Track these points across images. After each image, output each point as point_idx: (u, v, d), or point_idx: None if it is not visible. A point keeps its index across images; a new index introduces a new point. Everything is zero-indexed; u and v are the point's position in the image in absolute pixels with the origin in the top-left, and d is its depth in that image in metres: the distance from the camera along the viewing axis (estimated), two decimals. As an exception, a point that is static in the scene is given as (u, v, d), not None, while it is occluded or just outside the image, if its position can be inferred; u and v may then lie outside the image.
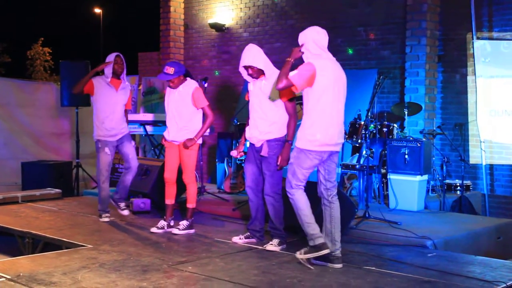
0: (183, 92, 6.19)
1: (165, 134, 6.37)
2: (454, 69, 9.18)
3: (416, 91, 8.99)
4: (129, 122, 7.47)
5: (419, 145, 7.50)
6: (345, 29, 10.10)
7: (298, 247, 5.17)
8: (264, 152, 5.54)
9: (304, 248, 5.03)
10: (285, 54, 5.16)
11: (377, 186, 8.17)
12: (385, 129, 8.10)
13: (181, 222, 6.30)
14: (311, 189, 5.23)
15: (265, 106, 5.54)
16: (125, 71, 6.86)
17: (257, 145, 5.63)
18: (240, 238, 5.86)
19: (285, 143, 5.53)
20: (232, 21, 11.72)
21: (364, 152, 7.84)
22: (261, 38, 11.11)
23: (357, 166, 7.86)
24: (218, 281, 4.53)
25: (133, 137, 8.41)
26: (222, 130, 11.11)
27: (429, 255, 5.43)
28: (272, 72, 5.51)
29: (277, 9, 11.08)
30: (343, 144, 8.33)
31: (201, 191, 8.35)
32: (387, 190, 7.87)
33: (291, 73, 4.86)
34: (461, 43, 9.00)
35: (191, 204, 6.33)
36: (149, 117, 9.78)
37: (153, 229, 6.31)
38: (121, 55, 6.81)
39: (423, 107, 8.66)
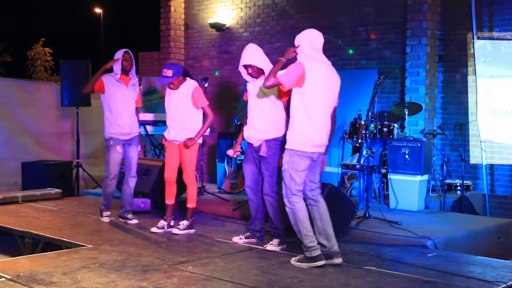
0: (183, 92, 6.19)
1: (166, 134, 6.37)
2: (454, 69, 9.17)
3: (417, 91, 8.98)
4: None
5: (419, 145, 7.49)
6: (346, 29, 10.10)
7: (298, 247, 5.17)
8: (263, 152, 5.54)
9: (300, 255, 5.05)
10: (296, 54, 5.16)
11: (378, 186, 8.17)
12: (385, 129, 8.10)
13: (181, 222, 6.29)
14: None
15: (264, 105, 5.54)
16: (134, 68, 6.77)
17: (256, 144, 5.62)
18: (240, 238, 5.86)
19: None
20: (233, 21, 11.72)
21: (364, 152, 7.84)
22: (261, 38, 11.11)
23: (358, 166, 7.86)
24: (218, 281, 4.53)
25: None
26: (222, 130, 11.11)
27: (429, 255, 5.42)
28: None
29: (278, 9, 11.08)
30: (343, 144, 8.40)
31: (201, 191, 8.35)
32: (387, 190, 7.87)
33: (280, 72, 4.88)
34: (461, 43, 9.00)
35: (191, 204, 6.33)
36: (149, 117, 9.79)
37: (153, 229, 6.31)
38: (129, 51, 6.72)
39: (424, 107, 8.66)
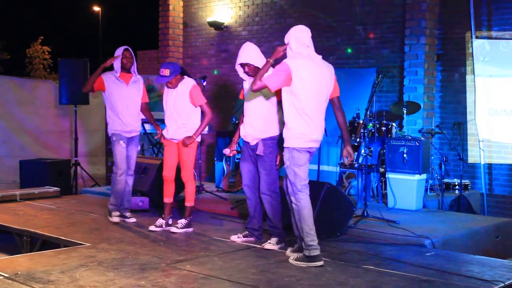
0: (181, 91, 6.19)
1: (164, 132, 6.36)
2: (453, 68, 9.17)
3: (415, 90, 8.98)
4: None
5: (417, 144, 7.49)
6: (344, 28, 10.10)
7: (296, 246, 5.17)
8: (259, 151, 5.54)
9: (298, 253, 5.06)
10: (284, 53, 5.20)
11: (376, 185, 8.17)
12: (383, 128, 8.10)
13: (179, 221, 6.29)
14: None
15: (260, 104, 5.55)
16: (135, 65, 6.69)
17: (252, 143, 5.63)
18: (238, 237, 5.86)
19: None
20: (231, 20, 11.70)
21: (362, 151, 7.84)
22: (260, 37, 11.10)
23: (356, 165, 7.86)
24: (216, 279, 4.53)
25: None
26: (220, 128, 11.10)
27: (427, 254, 5.43)
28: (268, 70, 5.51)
29: (276, 7, 11.07)
30: (342, 143, 8.38)
31: (199, 189, 8.35)
32: (385, 189, 7.88)
33: (266, 74, 4.96)
34: (460, 42, 9.00)
35: (189, 203, 6.33)
36: (147, 115, 9.76)
37: (152, 228, 6.30)
38: (129, 48, 6.64)
39: (422, 106, 8.66)
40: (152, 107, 10.67)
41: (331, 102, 5.22)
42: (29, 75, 26.13)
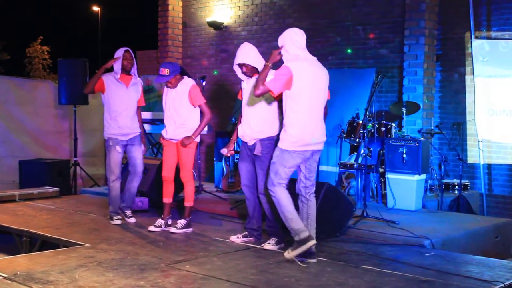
0: (180, 90, 6.19)
1: (163, 132, 6.36)
2: (452, 68, 9.17)
3: (414, 90, 8.98)
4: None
5: (417, 144, 7.49)
6: (344, 28, 10.10)
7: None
8: (257, 151, 5.55)
9: (290, 246, 5.07)
10: (280, 56, 5.21)
11: (375, 185, 8.17)
12: (383, 128, 8.10)
13: (178, 221, 6.29)
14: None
15: (258, 104, 5.55)
16: (135, 66, 6.66)
17: (250, 143, 5.63)
18: (238, 237, 5.86)
19: None
20: (231, 20, 11.70)
21: (362, 151, 7.84)
22: (259, 37, 11.10)
23: (355, 165, 7.86)
24: (215, 280, 4.53)
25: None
26: (220, 128, 11.10)
27: (427, 254, 5.43)
28: None
29: (276, 7, 11.07)
30: (341, 143, 8.40)
31: (199, 189, 8.35)
32: (385, 189, 7.87)
33: (268, 78, 4.97)
34: (459, 42, 9.00)
35: (188, 203, 6.33)
36: (147, 115, 9.77)
37: (151, 228, 6.30)
38: (130, 50, 6.60)
39: (421, 106, 8.66)
40: (152, 107, 10.69)
41: None
42: (29, 75, 26.14)
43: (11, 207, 7.66)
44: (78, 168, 10.15)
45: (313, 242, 4.96)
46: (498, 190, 8.81)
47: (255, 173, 5.68)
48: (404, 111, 8.36)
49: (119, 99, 6.56)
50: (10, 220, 6.76)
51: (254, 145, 5.59)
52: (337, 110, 9.04)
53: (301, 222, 5.03)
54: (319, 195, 5.96)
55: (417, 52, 8.96)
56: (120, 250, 5.38)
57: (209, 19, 11.86)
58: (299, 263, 4.95)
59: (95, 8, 33.30)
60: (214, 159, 9.65)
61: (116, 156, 6.59)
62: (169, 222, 6.38)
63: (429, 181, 8.30)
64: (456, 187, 8.39)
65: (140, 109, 6.84)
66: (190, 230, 6.28)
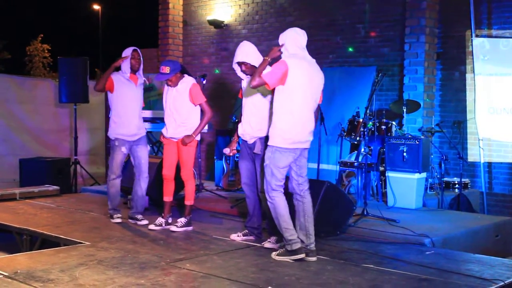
0: (180, 89, 6.19)
1: (163, 131, 6.36)
2: (453, 66, 9.16)
3: (415, 88, 8.98)
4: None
5: (417, 142, 7.49)
6: (344, 26, 10.09)
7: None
8: (257, 150, 5.55)
9: (280, 249, 5.12)
10: (280, 53, 5.22)
11: (376, 183, 8.17)
12: (383, 127, 8.09)
13: (179, 220, 6.29)
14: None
15: (257, 102, 5.56)
16: (142, 67, 6.60)
17: (250, 142, 5.64)
18: (238, 236, 5.86)
19: None
20: (231, 18, 11.70)
21: (362, 150, 7.84)
22: (260, 35, 11.10)
23: (356, 163, 7.85)
24: (216, 278, 4.53)
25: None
26: (220, 127, 11.09)
27: (427, 253, 5.43)
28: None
29: (276, 6, 11.06)
30: (341, 142, 8.40)
31: (199, 188, 8.35)
32: (385, 187, 7.87)
33: (265, 71, 5.01)
34: (460, 40, 8.99)
35: (189, 201, 6.33)
36: (147, 114, 9.76)
37: (151, 226, 6.30)
38: (138, 49, 6.55)
39: (422, 104, 8.65)
40: (152, 106, 10.68)
41: None
42: (29, 74, 26.15)
43: (11, 205, 7.67)
44: (78, 166, 10.15)
45: (302, 255, 5.00)
46: (499, 188, 8.81)
47: (255, 172, 5.69)
48: (405, 110, 8.36)
49: (129, 98, 6.51)
50: (10, 218, 6.77)
51: (254, 143, 5.59)
52: (337, 109, 9.04)
53: (295, 232, 5.05)
54: (319, 194, 5.97)
55: (418, 51, 8.95)
56: (120, 249, 5.38)
57: (210, 17, 11.85)
58: (289, 260, 5.02)
59: (96, 7, 33.30)
60: (215, 157, 9.66)
61: (120, 156, 6.56)
62: (170, 220, 6.38)
63: (430, 180, 8.30)
64: (457, 185, 8.39)
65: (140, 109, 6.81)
66: (190, 228, 6.28)
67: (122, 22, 34.31)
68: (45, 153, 11.12)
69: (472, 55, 8.48)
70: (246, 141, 5.70)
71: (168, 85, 6.23)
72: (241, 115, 5.77)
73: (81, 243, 5.57)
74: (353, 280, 4.51)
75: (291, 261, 4.98)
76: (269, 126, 5.22)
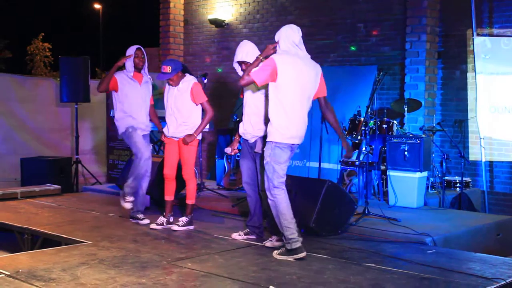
0: (182, 88, 6.19)
1: (165, 130, 6.36)
2: (454, 65, 9.16)
3: (416, 87, 8.98)
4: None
5: (418, 141, 7.49)
6: (345, 25, 10.09)
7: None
8: (258, 149, 5.56)
9: (281, 248, 5.14)
10: (274, 51, 5.23)
11: (377, 182, 8.17)
12: (384, 126, 8.10)
13: (180, 219, 6.29)
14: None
15: (258, 101, 5.56)
16: (146, 65, 6.57)
17: (251, 141, 5.64)
18: (239, 235, 5.86)
19: None
20: (232, 17, 11.70)
21: (363, 149, 7.84)
22: (261, 34, 11.10)
23: (357, 162, 7.86)
24: (217, 277, 4.53)
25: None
26: (221, 126, 11.10)
27: (428, 251, 5.43)
28: None
29: (277, 5, 11.06)
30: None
31: (200, 187, 8.35)
32: (386, 186, 7.87)
33: (254, 69, 5.05)
34: (461, 39, 8.99)
35: (190, 201, 6.33)
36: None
37: (153, 226, 6.30)
38: (141, 48, 6.50)
39: (423, 103, 8.65)
40: (153, 105, 10.67)
41: (318, 102, 5.29)
42: (30, 73, 26.14)
43: (13, 204, 7.67)
44: (79, 165, 10.16)
45: (303, 254, 5.01)
46: (500, 187, 8.81)
47: (256, 171, 5.69)
48: (406, 109, 8.36)
49: (133, 97, 6.47)
50: (12, 217, 6.77)
51: (255, 142, 5.60)
52: (338, 108, 8.99)
53: (296, 231, 5.05)
54: (320, 193, 5.97)
55: (419, 49, 8.95)
56: (121, 248, 5.39)
57: (211, 16, 11.86)
58: (289, 259, 5.03)
59: (97, 6, 33.30)
60: (216, 156, 9.66)
61: (140, 138, 6.39)
62: (171, 219, 6.38)
63: (431, 179, 8.30)
64: (458, 184, 8.39)
65: (153, 107, 6.75)
66: (191, 227, 6.29)
67: (123, 21, 34.31)
68: (46, 152, 11.12)
69: (473, 54, 8.48)
70: (247, 140, 5.71)
71: (169, 84, 6.23)
72: (242, 114, 5.78)
73: (83, 242, 5.58)
74: (354, 279, 4.51)
75: (293, 260, 4.99)
76: (266, 124, 5.24)
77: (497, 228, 6.66)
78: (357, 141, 8.07)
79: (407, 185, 7.52)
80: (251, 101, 5.61)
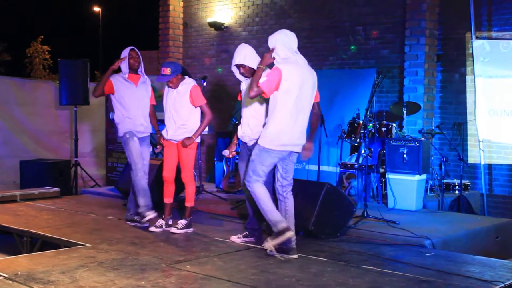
0: (181, 91, 6.19)
1: (164, 133, 6.36)
2: (453, 68, 9.17)
3: (415, 90, 8.98)
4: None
5: (417, 144, 7.50)
6: (344, 28, 10.09)
7: (296, 246, 5.18)
8: None
9: (269, 237, 5.19)
10: (273, 59, 5.24)
11: (376, 185, 8.17)
12: (383, 129, 8.10)
13: (179, 221, 6.29)
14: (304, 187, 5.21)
15: (256, 104, 5.57)
16: (142, 65, 6.53)
17: (249, 144, 5.65)
18: (238, 237, 5.86)
19: None
20: (231, 20, 11.71)
21: (362, 152, 7.85)
22: (260, 37, 11.09)
23: (356, 165, 7.86)
24: (216, 280, 4.53)
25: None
26: (220, 129, 11.10)
27: (427, 254, 5.43)
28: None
29: (276, 8, 11.07)
30: (342, 143, 8.41)
31: (199, 190, 8.35)
32: (385, 189, 7.88)
33: (261, 80, 5.05)
34: (460, 42, 9.00)
35: (189, 203, 6.33)
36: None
37: (152, 228, 6.30)
38: (135, 49, 6.47)
39: (422, 106, 8.66)
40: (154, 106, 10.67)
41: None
42: (29, 76, 26.15)
43: (12, 207, 7.67)
44: (79, 168, 10.16)
45: (291, 233, 5.09)
46: (499, 190, 8.81)
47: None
48: (405, 111, 8.37)
49: (131, 98, 6.45)
50: (11, 220, 6.77)
51: (254, 145, 5.59)
52: (337, 111, 9.04)
53: (279, 214, 5.17)
54: (319, 195, 5.98)
55: (418, 52, 8.96)
56: (121, 250, 5.38)
57: (210, 19, 11.87)
58: (280, 257, 5.09)
59: (96, 9, 33.33)
60: (215, 159, 9.66)
61: (136, 146, 6.37)
62: (170, 222, 6.38)
63: (430, 181, 8.30)
64: (457, 187, 8.39)
65: (153, 107, 6.73)
66: (190, 230, 6.29)
67: (123, 24, 34.33)
68: (45, 155, 11.12)
69: (472, 57, 8.49)
70: (245, 143, 5.72)
71: (168, 86, 6.24)
72: (241, 117, 5.79)
73: (82, 245, 5.57)
74: (353, 282, 4.51)
75: (282, 258, 5.03)
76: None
77: (496, 230, 6.66)
78: (356, 144, 8.08)
79: (406, 188, 7.52)
80: (249, 104, 5.62)
